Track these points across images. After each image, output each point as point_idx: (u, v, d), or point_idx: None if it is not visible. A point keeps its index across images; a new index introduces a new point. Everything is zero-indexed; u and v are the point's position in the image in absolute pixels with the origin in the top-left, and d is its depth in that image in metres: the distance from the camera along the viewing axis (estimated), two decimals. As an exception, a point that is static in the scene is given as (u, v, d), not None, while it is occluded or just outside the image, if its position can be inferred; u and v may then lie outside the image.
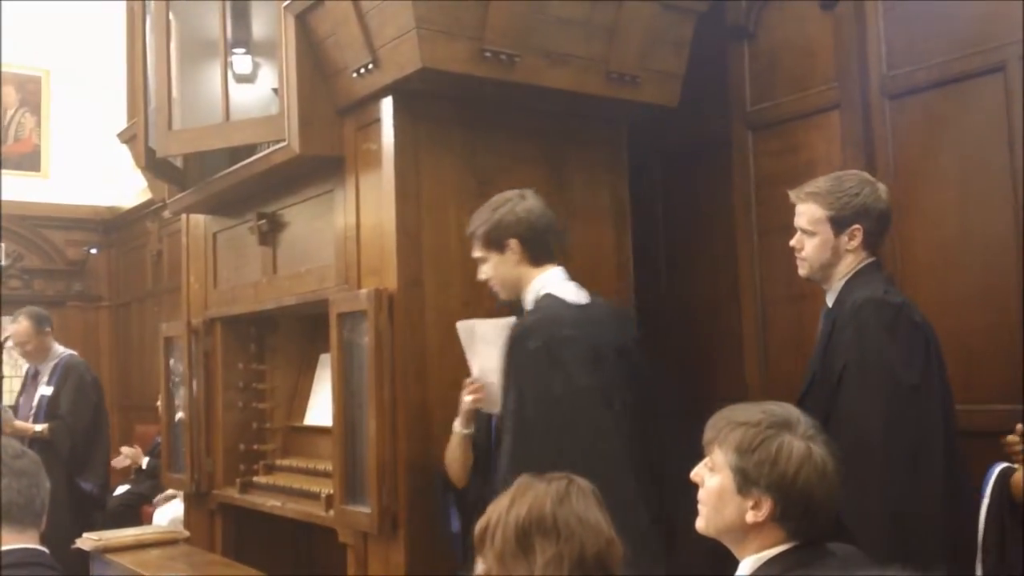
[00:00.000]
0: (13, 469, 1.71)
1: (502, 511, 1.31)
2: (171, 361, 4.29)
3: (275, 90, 3.81)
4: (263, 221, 3.69)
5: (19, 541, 1.69)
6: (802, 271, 2.42)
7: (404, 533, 2.84)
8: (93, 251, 9.34)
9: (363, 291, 2.99)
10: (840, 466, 1.56)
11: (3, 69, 9.22)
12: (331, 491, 3.19)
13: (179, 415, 4.19)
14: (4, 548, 1.67)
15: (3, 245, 8.87)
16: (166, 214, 8.25)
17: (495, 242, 2.55)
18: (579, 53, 3.11)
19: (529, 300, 2.55)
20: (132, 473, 6.33)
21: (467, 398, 2.58)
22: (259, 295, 3.79)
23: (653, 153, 3.90)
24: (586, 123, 3.38)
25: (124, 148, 9.57)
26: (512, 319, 2.51)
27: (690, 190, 3.83)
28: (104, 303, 9.43)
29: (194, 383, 4.05)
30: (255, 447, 3.99)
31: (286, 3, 3.18)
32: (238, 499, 3.78)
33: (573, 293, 2.55)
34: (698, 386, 3.63)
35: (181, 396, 4.15)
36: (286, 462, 3.86)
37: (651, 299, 3.73)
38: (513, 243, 2.54)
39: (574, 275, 2.63)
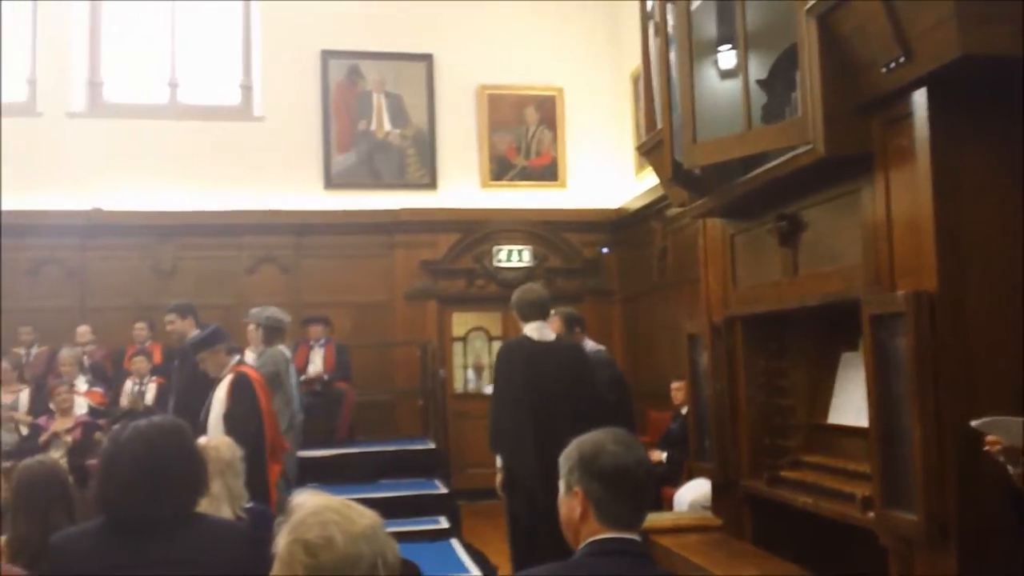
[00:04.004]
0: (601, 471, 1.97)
1: None
2: (694, 356, 4.55)
3: (759, 82, 3.84)
4: (783, 222, 3.75)
5: (616, 532, 1.95)
6: None
7: (956, 543, 2.73)
8: (605, 251, 10.21)
9: (900, 293, 2.92)
10: None
11: (523, 92, 10.47)
12: (867, 493, 3.16)
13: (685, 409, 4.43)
14: (603, 536, 1.93)
15: (531, 248, 10.08)
16: (669, 213, 8.74)
17: None
18: None
19: None
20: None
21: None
22: (780, 295, 3.87)
23: None
24: None
25: (628, 155, 10.30)
26: None
27: None
28: (615, 297, 10.25)
29: (718, 378, 4.26)
30: (779, 442, 4.08)
31: (807, 6, 3.21)
32: (766, 492, 3.90)
33: None
34: None
35: (706, 390, 4.39)
36: (811, 459, 3.90)
37: None
38: None
39: None
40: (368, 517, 1.78)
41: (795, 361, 4.19)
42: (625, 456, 1.94)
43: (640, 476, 1.94)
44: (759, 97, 3.82)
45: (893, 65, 2.92)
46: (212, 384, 5.25)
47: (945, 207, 2.85)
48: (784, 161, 3.46)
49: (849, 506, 3.30)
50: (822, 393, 4.06)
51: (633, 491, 1.93)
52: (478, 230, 9.93)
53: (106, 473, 2.36)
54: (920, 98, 2.91)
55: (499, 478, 4.86)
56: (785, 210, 3.78)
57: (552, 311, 6.17)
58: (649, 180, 9.05)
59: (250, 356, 7.19)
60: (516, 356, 4.85)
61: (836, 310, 3.56)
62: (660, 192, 8.27)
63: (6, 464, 7.11)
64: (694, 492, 5.74)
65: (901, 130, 3.02)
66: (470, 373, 10.09)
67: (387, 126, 10.12)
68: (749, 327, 4.23)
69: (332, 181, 9.86)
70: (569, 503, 1.97)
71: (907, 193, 2.99)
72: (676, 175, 4.10)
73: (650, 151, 4.83)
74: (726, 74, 3.95)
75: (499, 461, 4.89)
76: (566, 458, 1.99)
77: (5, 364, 8.00)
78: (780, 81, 3.68)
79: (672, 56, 4.20)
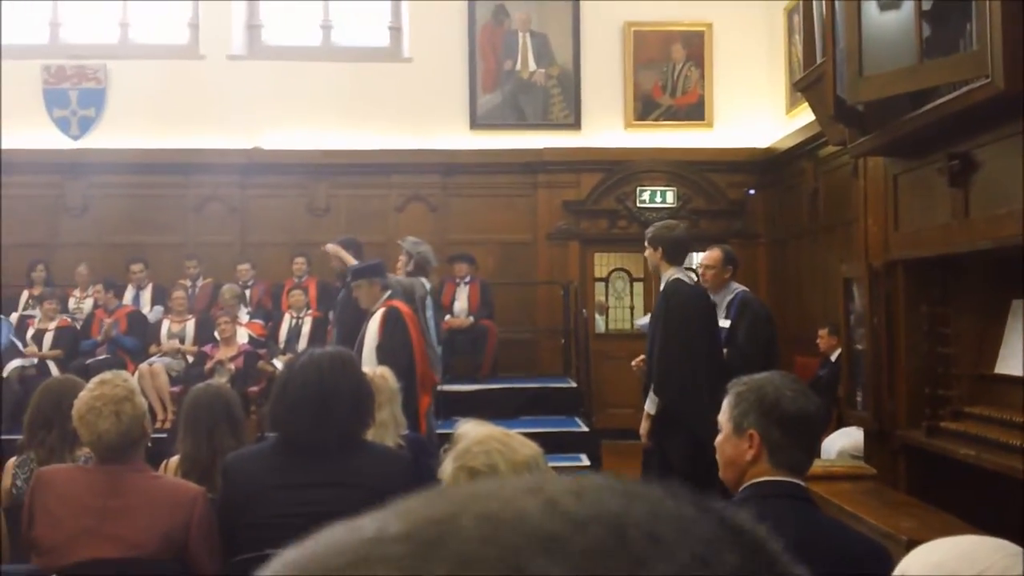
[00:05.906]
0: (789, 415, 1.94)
1: None
2: (849, 301, 4.41)
3: (925, 12, 3.60)
4: (954, 161, 3.56)
5: (786, 476, 1.93)
6: None
7: None
8: (751, 192, 9.93)
9: (1084, 237, 2.73)
10: None
11: (670, 28, 10.19)
12: (1034, 446, 3.02)
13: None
14: (771, 479, 1.91)
15: (675, 189, 9.91)
16: (821, 153, 8.41)
17: None
18: None
19: None
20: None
21: None
22: (947, 238, 3.69)
23: None
24: None
25: (778, 93, 9.92)
26: None
27: None
28: (761, 240, 9.97)
29: (875, 324, 4.12)
30: (940, 392, 3.92)
31: (991, -71, 2.99)
32: (924, 442, 3.77)
33: None
34: None
35: (860, 336, 4.26)
36: (975, 410, 3.74)
37: None
38: None
39: None
40: (530, 448, 1.83)
41: (960, 308, 4.00)
42: (805, 403, 1.91)
43: (817, 423, 1.93)
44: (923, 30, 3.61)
45: (1088, -10, 2.70)
46: (366, 317, 5.44)
47: None
48: (958, 96, 3.27)
49: (1015, 459, 3.17)
50: (989, 342, 3.88)
51: (811, 438, 1.92)
52: (621, 170, 9.82)
53: (278, 395, 2.51)
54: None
55: (646, 424, 4.59)
56: (956, 148, 3.58)
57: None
58: (801, 119, 8.71)
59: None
60: (692, 299, 4.69)
61: (1008, 255, 3.37)
62: (813, 131, 7.95)
63: (174, 389, 7.66)
64: (843, 440, 5.60)
65: (1093, 62, 2.80)
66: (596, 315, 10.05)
67: (532, 66, 10.08)
68: (911, 271, 4.06)
69: (477, 121, 9.93)
70: (738, 444, 1.94)
71: (1097, 130, 2.78)
72: (838, 111, 3.93)
73: (808, 87, 4.65)
74: (885, 6, 3.74)
75: (650, 406, 4.53)
76: (739, 399, 1.95)
77: (179, 293, 8.54)
78: (950, 11, 3.46)
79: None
